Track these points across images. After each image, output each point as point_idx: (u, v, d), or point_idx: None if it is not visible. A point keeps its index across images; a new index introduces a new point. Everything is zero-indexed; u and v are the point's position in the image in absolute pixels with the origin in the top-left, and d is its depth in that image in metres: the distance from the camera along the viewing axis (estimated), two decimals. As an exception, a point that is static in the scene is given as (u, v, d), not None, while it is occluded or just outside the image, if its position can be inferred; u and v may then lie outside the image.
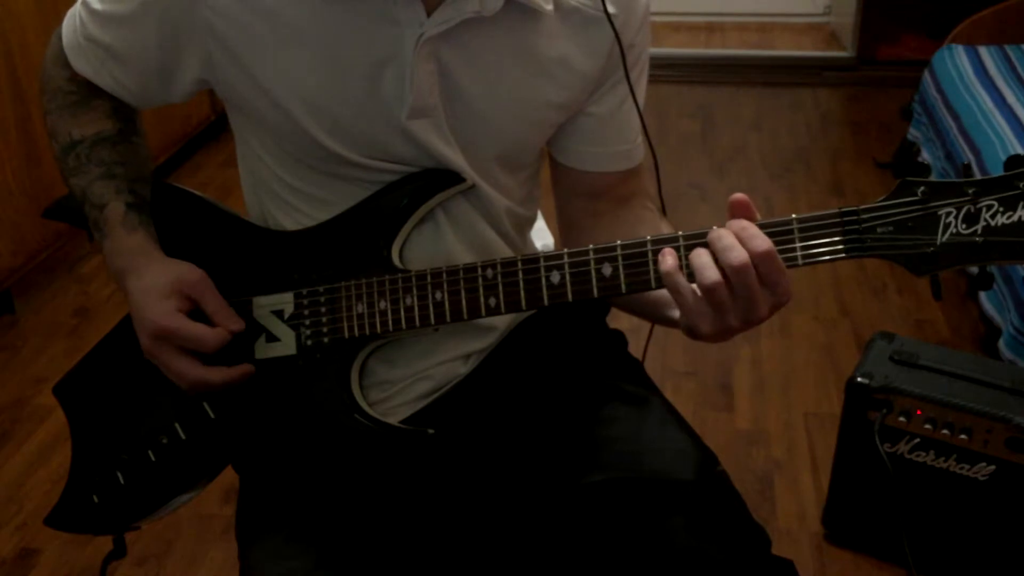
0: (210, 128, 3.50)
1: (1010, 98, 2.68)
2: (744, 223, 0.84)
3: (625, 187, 1.11)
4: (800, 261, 0.84)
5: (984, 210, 0.80)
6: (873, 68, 4.03)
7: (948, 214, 0.81)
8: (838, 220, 0.84)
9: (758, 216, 0.86)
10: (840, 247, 0.84)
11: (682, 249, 0.87)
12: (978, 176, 0.81)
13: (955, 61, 3.01)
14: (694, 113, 3.79)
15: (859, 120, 3.72)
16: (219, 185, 3.27)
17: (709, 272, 0.84)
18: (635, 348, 1.22)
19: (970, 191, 0.81)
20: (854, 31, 4.03)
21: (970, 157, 2.49)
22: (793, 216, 0.85)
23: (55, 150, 1.08)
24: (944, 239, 0.82)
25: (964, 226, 0.81)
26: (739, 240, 0.83)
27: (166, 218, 1.06)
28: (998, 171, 0.82)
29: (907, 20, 4.01)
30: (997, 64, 2.93)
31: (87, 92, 1.07)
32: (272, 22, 0.93)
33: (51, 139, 1.09)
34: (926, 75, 3.09)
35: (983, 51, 3.02)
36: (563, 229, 1.16)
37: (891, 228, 0.83)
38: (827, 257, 0.84)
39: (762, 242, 0.83)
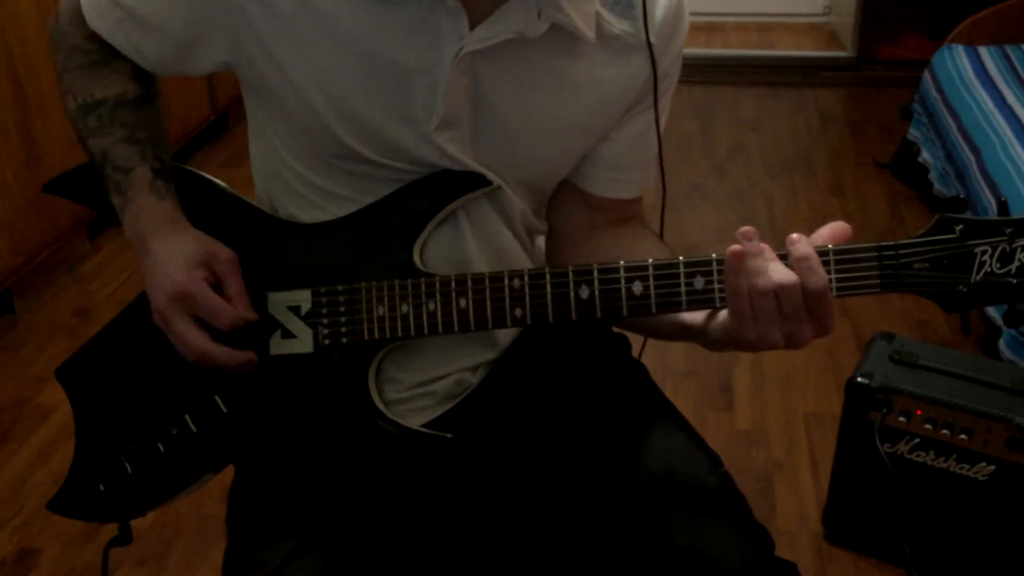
0: (210, 128, 3.49)
1: (1010, 98, 2.68)
2: (805, 252, 0.83)
3: (627, 210, 1.10)
4: (834, 292, 0.84)
5: (1019, 250, 0.80)
6: (873, 68, 4.03)
7: (984, 252, 0.81)
8: (875, 255, 0.83)
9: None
10: (876, 281, 0.84)
11: (715, 274, 0.87)
12: (1013, 216, 0.81)
13: (955, 61, 3.01)
14: (694, 113, 3.79)
15: (859, 120, 3.72)
16: (219, 185, 3.27)
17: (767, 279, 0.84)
18: (635, 350, 1.21)
19: (1007, 231, 0.80)
20: (854, 31, 4.03)
21: (970, 157, 2.49)
22: (829, 247, 0.84)
23: (70, 108, 1.06)
24: (978, 278, 0.81)
25: (998, 265, 0.81)
26: (798, 271, 0.83)
27: (183, 202, 1.04)
28: (998, 171, 0.82)
29: (907, 20, 4.00)
30: (997, 64, 2.93)
31: (108, 52, 1.05)
32: (311, 15, 0.92)
33: (66, 97, 1.06)
34: (926, 75, 3.10)
35: (983, 51, 3.02)
36: (554, 242, 1.13)
37: (927, 264, 0.83)
38: (863, 291, 0.84)
39: (818, 280, 0.83)
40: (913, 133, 3.10)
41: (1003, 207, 0.84)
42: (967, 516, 1.67)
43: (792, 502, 1.94)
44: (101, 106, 1.04)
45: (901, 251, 0.83)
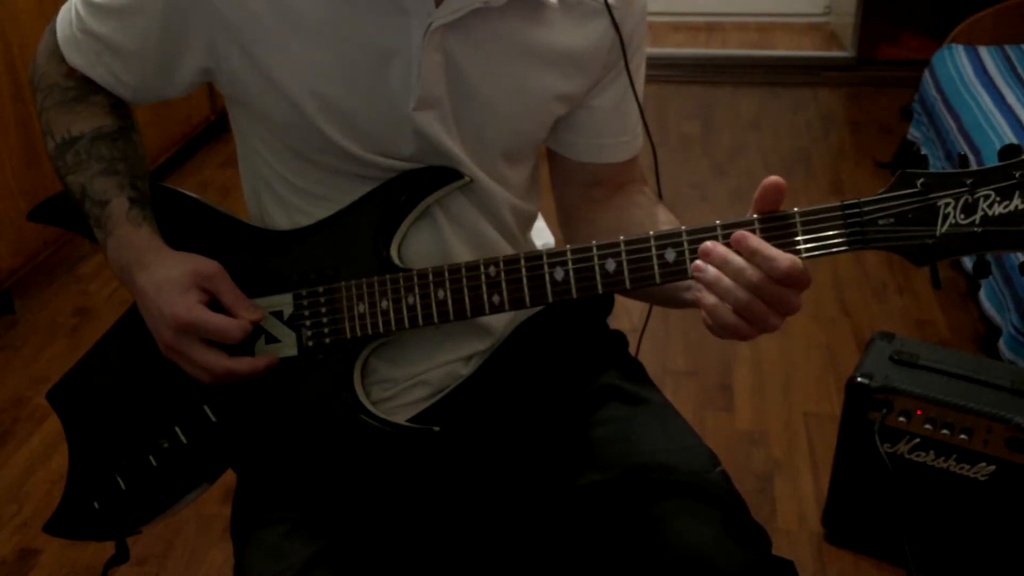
0: (210, 128, 3.50)
1: (1010, 98, 2.68)
2: (755, 246, 0.83)
3: (623, 175, 1.12)
4: (803, 254, 0.85)
5: (981, 200, 0.81)
6: (873, 68, 4.03)
7: (947, 204, 0.82)
8: (840, 213, 0.84)
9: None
10: (843, 240, 0.84)
11: (686, 245, 0.87)
12: (974, 167, 0.82)
13: (955, 61, 3.01)
14: (694, 113, 3.79)
15: (859, 120, 3.72)
16: (219, 185, 3.27)
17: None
18: (634, 349, 1.21)
19: (968, 182, 0.81)
20: (854, 31, 4.03)
21: (970, 157, 2.49)
22: (796, 210, 0.85)
23: (49, 147, 1.07)
24: (944, 230, 0.82)
25: (963, 216, 0.82)
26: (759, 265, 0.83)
27: (161, 221, 1.05)
28: (997, 168, 0.82)
29: (907, 20, 4.00)
30: (997, 64, 2.93)
31: (85, 88, 1.06)
32: (281, 10, 0.93)
33: (46, 136, 1.07)
34: (926, 75, 3.09)
35: (983, 51, 3.02)
36: (562, 218, 1.16)
37: (892, 220, 0.83)
38: (830, 250, 0.85)
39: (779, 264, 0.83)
40: (913, 133, 3.10)
41: (963, 160, 0.85)
42: (967, 516, 1.67)
43: (792, 502, 1.94)
44: (78, 141, 1.05)
45: (865, 208, 0.83)
